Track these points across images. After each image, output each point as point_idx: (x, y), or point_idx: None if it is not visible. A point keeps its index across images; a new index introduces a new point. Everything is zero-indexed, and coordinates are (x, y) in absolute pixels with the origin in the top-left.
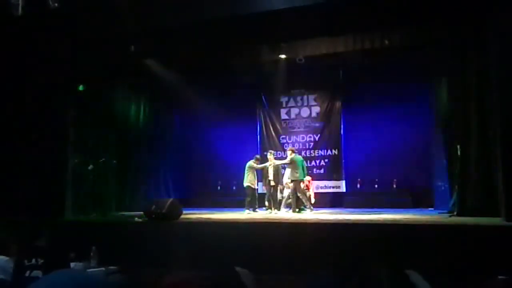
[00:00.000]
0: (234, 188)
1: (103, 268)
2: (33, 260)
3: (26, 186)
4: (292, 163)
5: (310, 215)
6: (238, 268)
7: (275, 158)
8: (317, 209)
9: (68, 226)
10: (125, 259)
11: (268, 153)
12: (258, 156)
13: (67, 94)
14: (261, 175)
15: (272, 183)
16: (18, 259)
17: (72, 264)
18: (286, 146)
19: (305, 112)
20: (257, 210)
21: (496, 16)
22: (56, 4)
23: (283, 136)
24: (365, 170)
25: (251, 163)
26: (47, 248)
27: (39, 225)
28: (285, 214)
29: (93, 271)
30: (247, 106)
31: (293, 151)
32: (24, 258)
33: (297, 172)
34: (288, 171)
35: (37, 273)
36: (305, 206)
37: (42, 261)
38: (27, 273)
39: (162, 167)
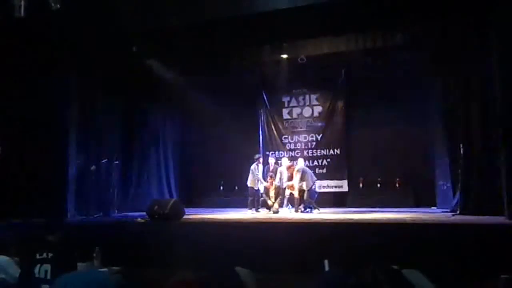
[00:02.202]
0: (236, 188)
1: (106, 269)
2: (44, 254)
3: (28, 187)
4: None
5: (314, 214)
6: (238, 268)
7: (277, 160)
8: (320, 208)
9: (71, 226)
10: (128, 260)
11: (269, 177)
12: (256, 156)
13: (69, 94)
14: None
15: (276, 206)
16: (29, 253)
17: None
18: (288, 146)
19: (307, 111)
20: (259, 210)
21: (497, 14)
22: (58, 6)
23: (285, 136)
24: (368, 169)
25: (253, 166)
26: (57, 243)
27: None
28: (287, 213)
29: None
30: (249, 106)
31: (291, 166)
32: (35, 252)
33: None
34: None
35: (47, 266)
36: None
37: (51, 254)
38: (37, 267)
39: (164, 167)
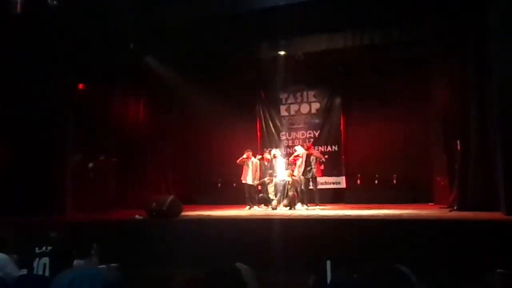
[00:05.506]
0: (234, 185)
1: (104, 266)
2: (43, 248)
3: (27, 185)
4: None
5: (312, 211)
6: (239, 264)
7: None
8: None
9: (69, 224)
10: (126, 257)
11: (268, 175)
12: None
13: (66, 92)
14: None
15: (275, 202)
16: (28, 247)
17: (73, 262)
18: (286, 143)
19: (304, 108)
20: (256, 207)
21: (495, 13)
22: (54, 2)
23: (283, 133)
24: (365, 165)
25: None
26: (57, 238)
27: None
28: (286, 210)
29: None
30: (247, 103)
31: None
32: (35, 247)
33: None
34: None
35: (45, 260)
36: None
37: (50, 248)
38: (36, 261)
39: (162, 164)
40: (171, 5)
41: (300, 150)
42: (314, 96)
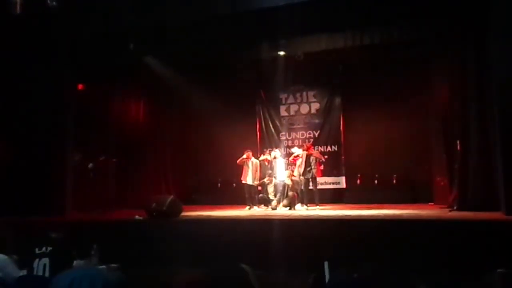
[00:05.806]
0: (234, 185)
1: (104, 266)
2: (43, 248)
3: (27, 185)
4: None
5: (312, 211)
6: (244, 265)
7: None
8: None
9: (69, 224)
10: (126, 257)
11: (267, 178)
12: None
13: (66, 92)
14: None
15: (274, 202)
16: (29, 248)
17: (74, 263)
18: (285, 143)
19: (304, 108)
20: (255, 207)
21: (495, 13)
22: (54, 3)
23: (283, 133)
24: (365, 165)
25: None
26: (58, 238)
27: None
28: (286, 210)
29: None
30: (247, 103)
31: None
32: (35, 247)
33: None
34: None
35: (45, 260)
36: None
37: (50, 248)
38: (36, 261)
39: (162, 164)
40: (171, 5)
41: (297, 151)
42: (314, 96)
